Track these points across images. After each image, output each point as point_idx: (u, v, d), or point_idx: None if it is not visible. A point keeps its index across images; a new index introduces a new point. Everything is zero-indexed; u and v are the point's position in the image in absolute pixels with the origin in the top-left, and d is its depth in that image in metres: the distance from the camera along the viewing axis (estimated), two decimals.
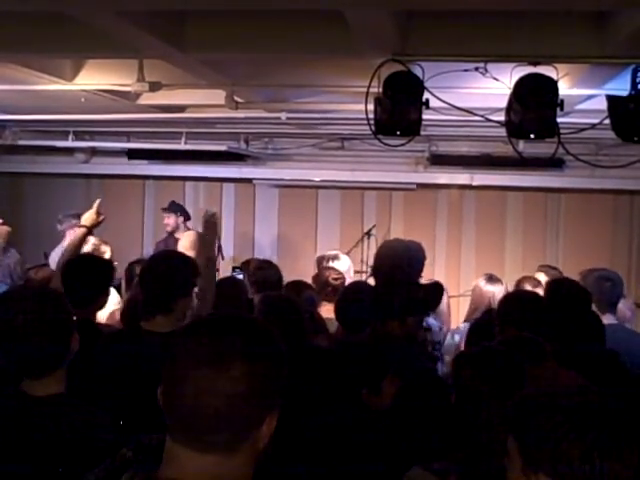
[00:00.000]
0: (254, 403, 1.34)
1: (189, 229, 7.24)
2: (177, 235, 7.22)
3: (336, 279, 4.91)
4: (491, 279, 4.96)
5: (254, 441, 1.35)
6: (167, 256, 3.36)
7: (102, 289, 3.54)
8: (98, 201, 4.36)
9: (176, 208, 7.65)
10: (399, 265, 4.79)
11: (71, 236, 6.14)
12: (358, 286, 4.45)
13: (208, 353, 1.33)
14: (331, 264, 5.35)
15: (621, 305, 4.59)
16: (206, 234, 3.87)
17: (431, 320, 4.51)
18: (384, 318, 3.68)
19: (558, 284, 3.99)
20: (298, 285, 4.68)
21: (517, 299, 3.60)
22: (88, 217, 4.29)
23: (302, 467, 2.69)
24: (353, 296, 4.16)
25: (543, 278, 5.40)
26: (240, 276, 5.57)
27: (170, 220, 7.61)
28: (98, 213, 4.30)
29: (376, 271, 4.98)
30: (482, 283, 4.94)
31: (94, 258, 4.20)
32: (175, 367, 1.35)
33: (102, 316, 4.37)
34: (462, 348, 4.44)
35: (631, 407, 1.53)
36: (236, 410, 1.32)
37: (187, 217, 7.68)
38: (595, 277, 4.48)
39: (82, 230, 4.23)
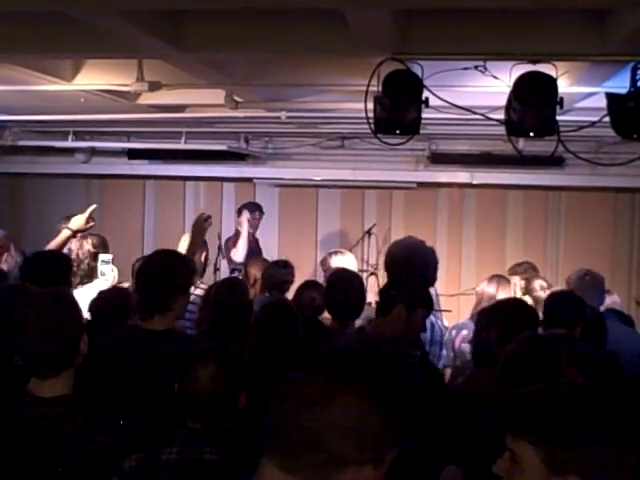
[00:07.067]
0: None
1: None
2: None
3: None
4: (492, 279, 5.10)
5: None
6: (164, 256, 3.29)
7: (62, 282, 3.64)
8: (93, 207, 4.32)
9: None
10: (415, 267, 4.84)
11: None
12: (342, 275, 4.43)
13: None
14: (335, 259, 5.34)
15: (609, 301, 5.01)
16: (193, 233, 4.06)
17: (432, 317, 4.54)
18: (392, 305, 3.66)
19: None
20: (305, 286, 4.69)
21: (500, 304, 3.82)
22: (77, 221, 4.27)
23: None
24: (339, 285, 4.16)
25: (517, 281, 5.54)
26: (239, 277, 5.58)
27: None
28: (89, 219, 4.27)
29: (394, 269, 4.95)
30: (484, 283, 5.10)
31: (51, 253, 4.18)
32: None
33: None
34: (457, 345, 4.55)
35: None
36: None
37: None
38: (576, 275, 4.92)
39: (66, 233, 4.23)
